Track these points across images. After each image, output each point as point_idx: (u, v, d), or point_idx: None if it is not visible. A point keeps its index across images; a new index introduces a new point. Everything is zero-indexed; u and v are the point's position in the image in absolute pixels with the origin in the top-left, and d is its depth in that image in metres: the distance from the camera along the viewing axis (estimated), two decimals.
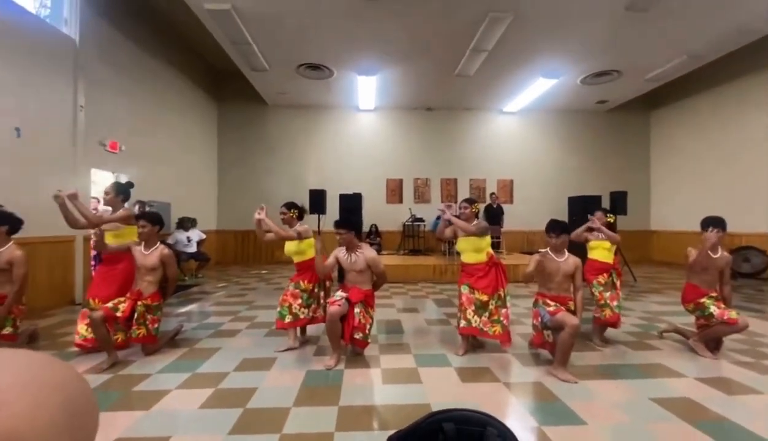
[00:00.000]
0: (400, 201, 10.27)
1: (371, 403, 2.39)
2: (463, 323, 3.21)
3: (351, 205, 7.11)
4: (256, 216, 3.39)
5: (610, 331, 3.69)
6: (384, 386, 2.64)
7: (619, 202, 6.98)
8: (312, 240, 3.53)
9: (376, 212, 9.83)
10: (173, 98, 8.00)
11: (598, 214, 3.87)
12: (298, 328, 3.55)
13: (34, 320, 4.02)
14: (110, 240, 3.40)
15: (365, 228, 9.37)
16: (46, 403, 0.29)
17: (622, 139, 10.76)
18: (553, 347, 2.85)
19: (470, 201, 3.38)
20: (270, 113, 10.16)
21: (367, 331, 3.06)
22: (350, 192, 7.57)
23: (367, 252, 3.15)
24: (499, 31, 5.96)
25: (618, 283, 3.72)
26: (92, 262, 5.55)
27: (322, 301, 3.53)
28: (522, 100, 9.48)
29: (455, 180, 10.40)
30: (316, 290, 3.51)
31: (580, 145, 10.68)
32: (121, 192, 3.48)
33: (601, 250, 3.75)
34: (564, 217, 5.93)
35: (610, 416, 2.23)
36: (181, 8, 5.92)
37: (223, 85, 9.96)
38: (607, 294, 3.55)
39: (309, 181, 9.75)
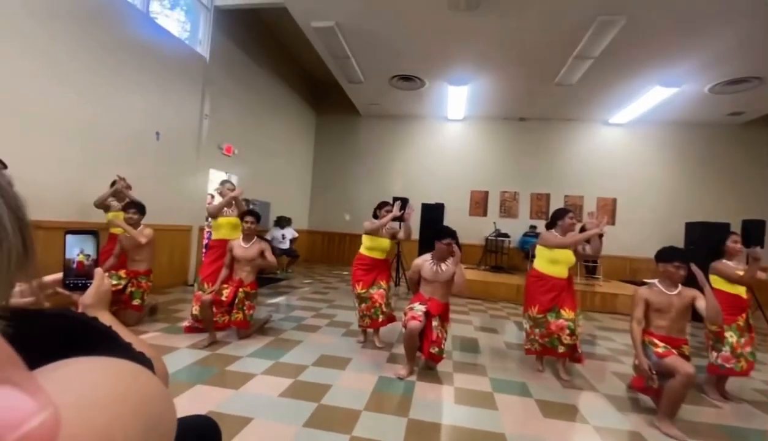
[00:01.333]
0: (484, 214, 9.91)
1: (441, 421, 2.32)
2: (562, 349, 3.05)
3: (433, 215, 7.06)
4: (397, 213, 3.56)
5: (732, 384, 3.08)
6: (456, 406, 2.54)
7: (755, 233, 5.83)
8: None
9: (458, 224, 9.43)
10: (279, 108, 8.84)
11: (734, 236, 3.10)
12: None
13: (155, 295, 4.72)
14: (227, 230, 3.87)
15: None
16: (125, 419, 0.30)
17: (761, 158, 8.98)
18: (656, 394, 2.46)
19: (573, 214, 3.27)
20: (362, 123, 10.62)
21: (442, 346, 2.98)
22: (433, 202, 7.53)
23: (456, 266, 3.10)
24: (609, 36, 5.44)
25: (753, 325, 3.04)
26: (204, 250, 6.33)
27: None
28: (632, 110, 8.50)
29: (547, 195, 9.71)
30: (388, 289, 3.65)
31: (704, 164, 9.19)
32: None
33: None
34: (678, 245, 5.10)
35: None
36: (290, 27, 6.53)
37: (322, 96, 10.72)
38: (743, 340, 2.92)
39: (394, 188, 9.94)
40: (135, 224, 3.76)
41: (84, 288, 0.79)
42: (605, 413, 2.59)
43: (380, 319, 3.51)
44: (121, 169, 4.49)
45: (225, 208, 3.89)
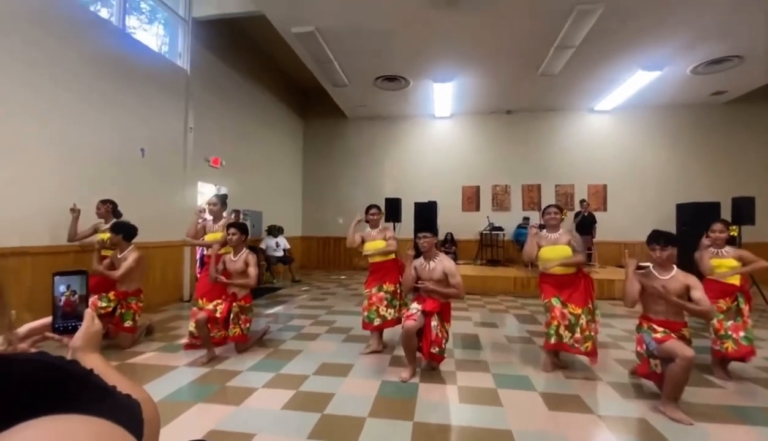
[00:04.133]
0: (477, 209, 9.93)
1: (447, 422, 2.30)
2: (553, 339, 3.00)
3: (426, 213, 7.04)
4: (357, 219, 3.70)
5: (735, 365, 3.10)
6: (460, 406, 2.52)
7: (744, 210, 5.88)
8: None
9: (452, 220, 9.62)
10: (265, 117, 8.77)
11: (717, 225, 3.25)
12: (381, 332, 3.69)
13: (150, 315, 4.64)
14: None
15: (440, 236, 9.22)
16: None
17: (747, 135, 9.09)
18: (660, 379, 2.46)
19: (559, 207, 3.24)
20: (350, 126, 10.59)
21: (443, 346, 2.97)
22: (425, 200, 7.51)
23: (445, 262, 3.07)
24: (589, 24, 5.47)
25: (746, 309, 3.07)
26: (198, 265, 6.26)
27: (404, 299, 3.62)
28: (617, 96, 8.57)
29: (538, 186, 9.75)
30: (398, 291, 3.60)
31: (691, 144, 9.29)
32: (224, 203, 3.99)
33: (723, 270, 3.16)
34: (671, 227, 5.15)
35: None
36: (271, 35, 6.48)
37: (307, 102, 10.69)
38: (729, 323, 2.99)
39: (385, 189, 9.93)
40: (119, 246, 3.70)
41: (74, 330, 0.78)
42: (610, 401, 2.59)
43: (375, 323, 3.48)
44: (108, 188, 4.42)
45: (213, 224, 3.85)
